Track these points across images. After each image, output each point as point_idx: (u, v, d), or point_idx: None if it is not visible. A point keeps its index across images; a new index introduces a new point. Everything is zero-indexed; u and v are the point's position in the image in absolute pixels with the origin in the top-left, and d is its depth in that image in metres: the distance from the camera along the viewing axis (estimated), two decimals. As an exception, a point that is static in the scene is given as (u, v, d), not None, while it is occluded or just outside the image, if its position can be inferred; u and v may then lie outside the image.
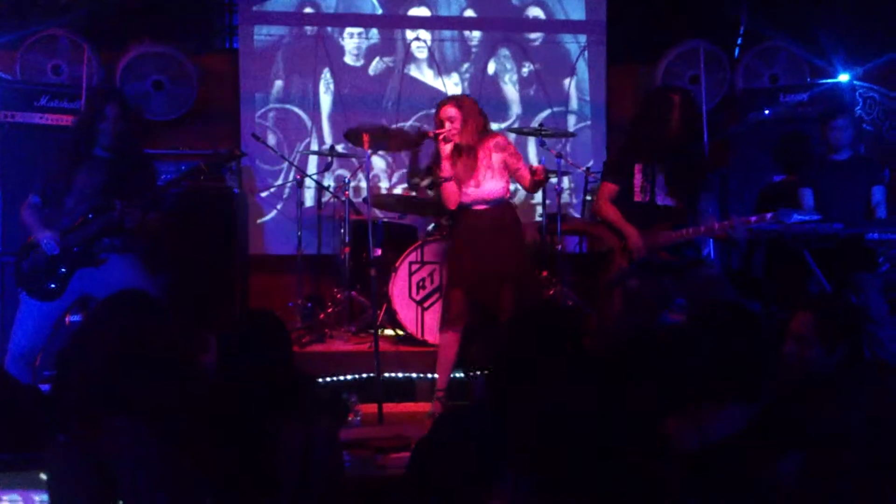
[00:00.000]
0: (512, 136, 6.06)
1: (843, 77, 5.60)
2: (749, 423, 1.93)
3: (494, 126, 4.72)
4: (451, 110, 4.09)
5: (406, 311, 4.94)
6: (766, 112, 5.42)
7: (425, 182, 5.23)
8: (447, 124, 4.08)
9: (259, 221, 6.35)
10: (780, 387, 2.12)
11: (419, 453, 2.25)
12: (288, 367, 2.50)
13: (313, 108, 6.45)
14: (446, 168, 4.07)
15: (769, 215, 3.95)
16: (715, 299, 3.81)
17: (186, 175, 4.06)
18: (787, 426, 1.93)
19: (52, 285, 3.76)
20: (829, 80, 5.64)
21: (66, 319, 4.17)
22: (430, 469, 2.14)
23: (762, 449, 1.89)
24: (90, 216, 3.78)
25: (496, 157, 4.13)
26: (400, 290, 4.94)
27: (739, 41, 6.40)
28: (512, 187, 4.36)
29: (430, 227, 5.32)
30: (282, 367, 2.46)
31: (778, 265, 4.63)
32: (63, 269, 3.77)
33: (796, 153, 5.10)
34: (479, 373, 4.42)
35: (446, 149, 4.07)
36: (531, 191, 4.36)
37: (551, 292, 5.28)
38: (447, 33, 6.60)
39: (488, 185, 4.12)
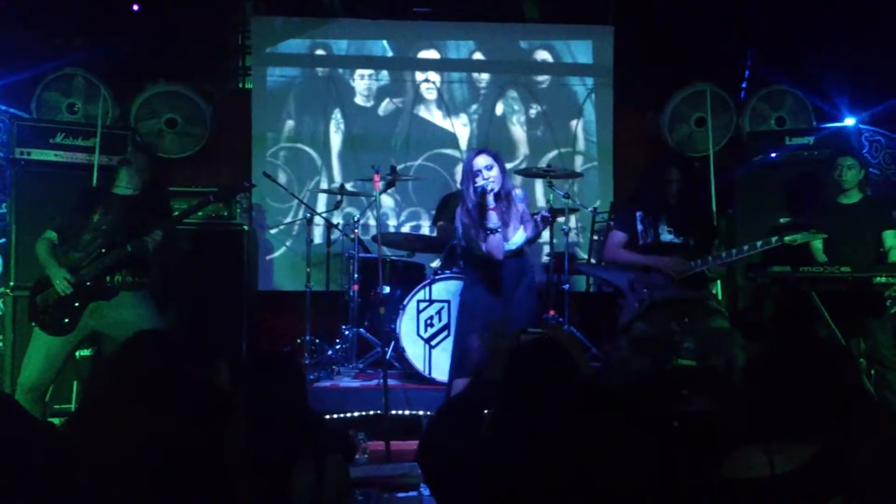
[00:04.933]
0: (519, 178, 6.15)
1: (849, 121, 5.67)
2: (807, 462, 1.99)
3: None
4: (487, 159, 4.01)
5: (414, 348, 4.94)
6: (773, 155, 5.45)
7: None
8: (484, 172, 3.98)
9: (268, 258, 6.39)
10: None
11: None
12: (302, 404, 2.52)
13: (323, 148, 6.54)
14: (493, 219, 3.95)
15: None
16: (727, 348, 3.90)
17: (197, 207, 4.14)
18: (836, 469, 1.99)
19: (65, 320, 3.80)
20: (835, 124, 5.69)
21: (76, 354, 4.20)
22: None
23: (815, 488, 1.95)
24: (103, 250, 3.83)
25: (520, 207, 4.13)
26: (408, 327, 4.95)
27: (745, 84, 6.47)
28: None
29: (436, 263, 5.31)
30: (296, 405, 2.47)
31: (786, 308, 4.63)
32: (76, 303, 3.81)
33: (804, 196, 5.12)
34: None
35: (491, 200, 3.95)
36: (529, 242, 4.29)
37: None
38: (456, 75, 6.70)
39: (514, 234, 4.11)
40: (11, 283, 4.88)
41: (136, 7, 5.61)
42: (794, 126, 5.90)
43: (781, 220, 5.20)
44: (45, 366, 3.79)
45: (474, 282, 4.22)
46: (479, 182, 3.97)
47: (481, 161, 4.00)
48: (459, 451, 2.31)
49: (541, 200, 6.33)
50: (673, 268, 4.25)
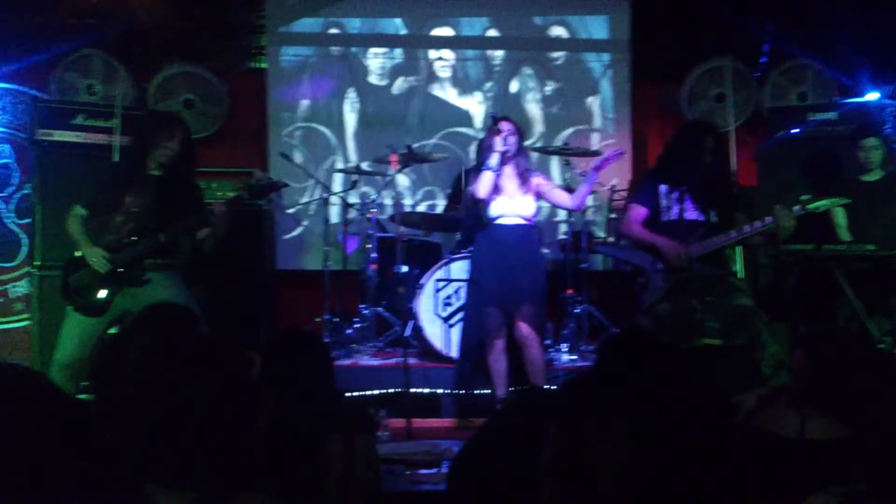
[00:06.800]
0: (535, 155, 6.12)
1: (872, 95, 5.57)
2: (837, 439, 2.01)
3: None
4: (511, 126, 4.41)
5: (432, 327, 4.96)
6: (794, 130, 5.38)
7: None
8: (505, 135, 4.34)
9: (285, 237, 6.41)
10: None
11: (464, 461, 2.28)
12: (329, 381, 2.54)
13: (339, 127, 6.52)
14: (494, 158, 4.29)
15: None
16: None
17: (230, 203, 4.08)
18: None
19: (98, 302, 3.85)
20: (858, 99, 5.59)
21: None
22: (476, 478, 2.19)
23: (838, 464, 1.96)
24: (134, 238, 3.86)
25: (534, 180, 4.44)
26: (426, 306, 4.96)
27: (766, 59, 6.38)
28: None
29: (455, 244, 5.33)
30: (323, 382, 2.49)
31: (809, 286, 4.60)
32: (109, 289, 3.85)
33: (826, 172, 5.07)
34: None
35: (500, 141, 4.29)
36: (574, 203, 4.56)
37: (577, 311, 5.27)
38: (470, 53, 6.65)
39: (523, 201, 4.38)
40: (37, 263, 4.92)
41: None
42: (816, 101, 5.82)
43: (802, 198, 5.15)
44: (78, 344, 3.85)
45: (479, 253, 4.48)
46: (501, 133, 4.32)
47: (505, 126, 4.37)
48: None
49: (557, 179, 6.30)
50: (673, 255, 4.22)
